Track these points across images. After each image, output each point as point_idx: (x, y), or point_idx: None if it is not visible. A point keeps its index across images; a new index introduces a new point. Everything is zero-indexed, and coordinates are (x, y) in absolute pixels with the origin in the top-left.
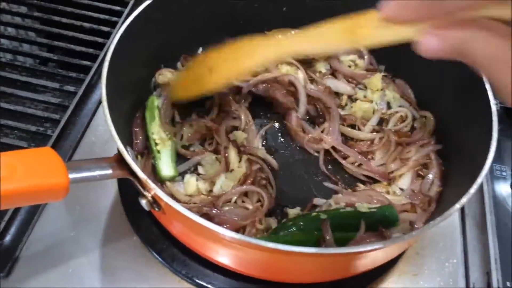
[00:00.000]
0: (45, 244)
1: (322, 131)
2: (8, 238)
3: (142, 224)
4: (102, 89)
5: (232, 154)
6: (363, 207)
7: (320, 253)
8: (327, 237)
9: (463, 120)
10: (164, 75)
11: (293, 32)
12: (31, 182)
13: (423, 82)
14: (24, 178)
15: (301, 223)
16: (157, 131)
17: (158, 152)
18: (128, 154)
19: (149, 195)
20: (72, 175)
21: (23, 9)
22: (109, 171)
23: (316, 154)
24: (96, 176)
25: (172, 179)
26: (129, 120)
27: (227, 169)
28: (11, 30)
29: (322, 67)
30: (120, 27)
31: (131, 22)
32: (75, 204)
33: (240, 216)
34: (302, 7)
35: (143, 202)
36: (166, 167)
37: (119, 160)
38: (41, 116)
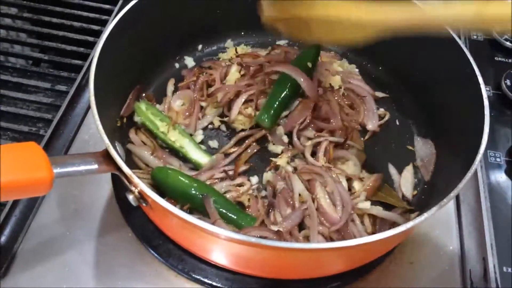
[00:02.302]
0: (41, 244)
1: None
2: (3, 239)
3: (137, 220)
4: (90, 86)
5: None
6: None
7: (310, 248)
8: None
9: (455, 106)
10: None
11: None
12: (14, 177)
13: (414, 68)
14: (6, 173)
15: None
16: (166, 130)
17: (182, 147)
18: (116, 149)
19: (135, 190)
20: (56, 170)
21: (13, 11)
22: (95, 166)
23: None
24: (81, 171)
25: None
26: (118, 115)
27: None
28: (2, 32)
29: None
30: (110, 25)
31: (120, 19)
32: (70, 202)
33: None
34: None
35: (130, 197)
36: (200, 156)
37: (106, 155)
38: (34, 117)
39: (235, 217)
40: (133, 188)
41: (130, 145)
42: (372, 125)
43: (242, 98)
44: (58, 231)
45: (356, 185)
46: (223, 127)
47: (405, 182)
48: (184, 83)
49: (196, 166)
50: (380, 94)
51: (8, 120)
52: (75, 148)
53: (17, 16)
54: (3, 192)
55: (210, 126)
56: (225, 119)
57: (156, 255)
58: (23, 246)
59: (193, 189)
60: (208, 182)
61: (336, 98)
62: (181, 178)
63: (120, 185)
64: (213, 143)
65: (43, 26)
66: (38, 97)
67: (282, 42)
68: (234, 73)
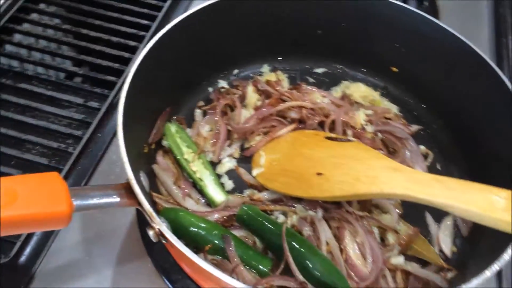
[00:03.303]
0: (60, 266)
1: None
2: (23, 258)
3: (158, 251)
4: (119, 116)
5: None
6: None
7: None
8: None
9: (503, 155)
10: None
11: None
12: (32, 210)
13: (460, 110)
14: (24, 205)
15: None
16: (191, 159)
17: (201, 179)
18: (140, 180)
19: (156, 227)
20: (76, 202)
21: (52, 21)
22: (117, 200)
23: None
24: (102, 204)
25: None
26: (145, 141)
27: None
28: (40, 42)
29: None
30: (147, 43)
31: (155, 42)
32: (92, 226)
33: None
34: (338, 29)
35: (151, 233)
36: (216, 193)
37: (128, 188)
38: (64, 132)
39: (252, 260)
40: (154, 225)
41: (155, 166)
42: (420, 167)
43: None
44: (78, 255)
45: (390, 237)
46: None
47: (444, 236)
48: (208, 107)
49: (210, 203)
50: (415, 127)
51: (39, 134)
52: (102, 167)
53: (55, 27)
54: (19, 225)
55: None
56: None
57: None
58: (42, 267)
59: (203, 231)
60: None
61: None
62: (192, 220)
63: (144, 215)
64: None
65: (81, 39)
66: (70, 113)
67: (320, 71)
68: (252, 95)
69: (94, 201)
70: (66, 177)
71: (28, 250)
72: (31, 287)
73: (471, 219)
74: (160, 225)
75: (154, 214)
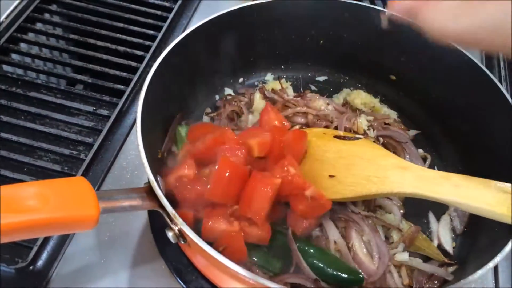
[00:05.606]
0: (76, 270)
1: None
2: (40, 263)
3: (171, 253)
4: (138, 121)
5: None
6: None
7: None
8: None
9: (497, 153)
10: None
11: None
12: (62, 213)
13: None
14: (55, 209)
15: None
16: None
17: None
18: (159, 184)
19: (176, 228)
20: (102, 205)
21: (59, 31)
22: (139, 202)
23: None
24: (126, 206)
25: None
26: (159, 147)
27: None
28: (46, 51)
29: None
30: (153, 52)
31: (166, 54)
32: (105, 230)
33: None
34: (339, 39)
35: (170, 234)
36: None
37: (149, 191)
38: (75, 140)
39: (264, 262)
40: (173, 226)
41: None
42: None
43: None
44: (93, 258)
45: (395, 235)
46: None
47: (444, 232)
48: (215, 114)
49: None
50: (413, 132)
51: (50, 141)
52: (112, 174)
53: (63, 37)
54: (51, 228)
55: None
56: None
57: None
58: (58, 271)
59: None
60: None
61: None
62: None
63: (156, 217)
64: None
65: (88, 49)
66: (80, 120)
67: (321, 79)
68: (259, 101)
69: (119, 203)
70: None
71: (44, 254)
72: None
73: (477, 214)
74: (182, 225)
75: (176, 215)
